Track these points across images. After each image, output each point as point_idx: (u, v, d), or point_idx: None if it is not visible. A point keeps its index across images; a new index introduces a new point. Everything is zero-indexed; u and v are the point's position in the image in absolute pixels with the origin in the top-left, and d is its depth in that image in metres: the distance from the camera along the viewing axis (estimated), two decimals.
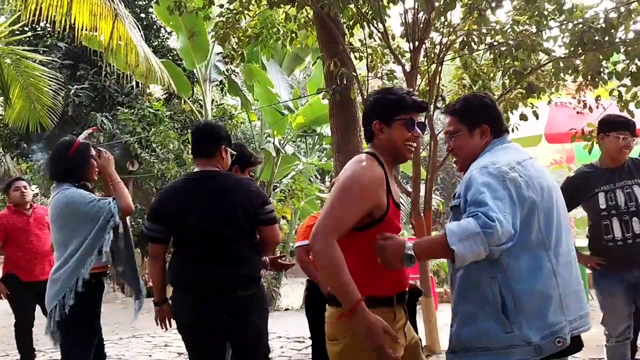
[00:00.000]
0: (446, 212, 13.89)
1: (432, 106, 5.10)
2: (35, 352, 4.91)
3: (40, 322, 4.73)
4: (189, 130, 10.76)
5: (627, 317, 3.21)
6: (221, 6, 6.41)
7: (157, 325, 2.92)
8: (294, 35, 6.49)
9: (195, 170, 2.88)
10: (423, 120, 2.19)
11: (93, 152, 3.25)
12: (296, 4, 5.33)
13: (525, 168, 1.94)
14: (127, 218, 3.35)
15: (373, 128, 2.08)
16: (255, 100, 10.70)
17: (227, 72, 11.08)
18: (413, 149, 2.13)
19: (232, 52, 6.76)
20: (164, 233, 2.77)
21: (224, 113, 11.52)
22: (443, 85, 5.56)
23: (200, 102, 11.31)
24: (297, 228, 10.11)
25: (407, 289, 2.13)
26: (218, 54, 10.57)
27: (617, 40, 4.45)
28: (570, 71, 4.80)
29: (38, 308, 4.74)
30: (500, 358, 1.85)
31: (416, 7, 4.82)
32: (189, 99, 11.03)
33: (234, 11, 6.13)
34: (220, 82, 11.30)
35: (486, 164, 1.94)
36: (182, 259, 2.77)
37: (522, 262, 1.86)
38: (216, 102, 12.10)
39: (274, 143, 10.37)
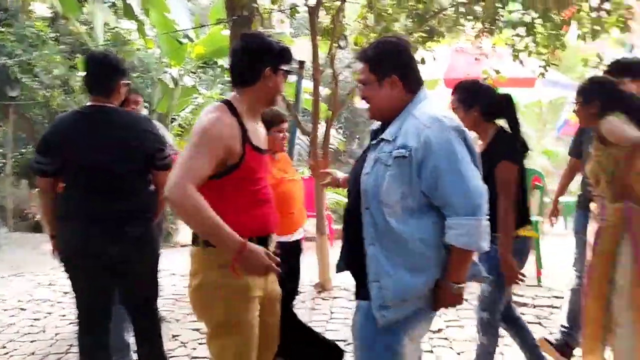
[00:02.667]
0: (347, 151, 14.09)
1: (334, 45, 5.01)
2: None
3: None
4: (77, 55, 9.90)
5: None
6: None
7: (54, 258, 2.81)
8: None
9: (88, 104, 2.73)
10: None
11: None
12: None
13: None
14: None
15: (264, 74, 2.09)
16: (152, 26, 9.97)
17: None
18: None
19: None
20: (52, 166, 2.67)
21: (117, 38, 10.67)
22: (347, 24, 5.45)
23: (91, 24, 10.37)
24: None
25: (272, 233, 2.18)
26: None
27: None
28: (470, 17, 4.88)
29: None
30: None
31: None
32: (77, 20, 10.07)
33: None
34: (113, 3, 10.38)
35: (437, 115, 1.86)
36: (70, 192, 2.69)
37: (437, 218, 1.88)
38: (109, 25, 11.15)
39: (171, 74, 9.82)
